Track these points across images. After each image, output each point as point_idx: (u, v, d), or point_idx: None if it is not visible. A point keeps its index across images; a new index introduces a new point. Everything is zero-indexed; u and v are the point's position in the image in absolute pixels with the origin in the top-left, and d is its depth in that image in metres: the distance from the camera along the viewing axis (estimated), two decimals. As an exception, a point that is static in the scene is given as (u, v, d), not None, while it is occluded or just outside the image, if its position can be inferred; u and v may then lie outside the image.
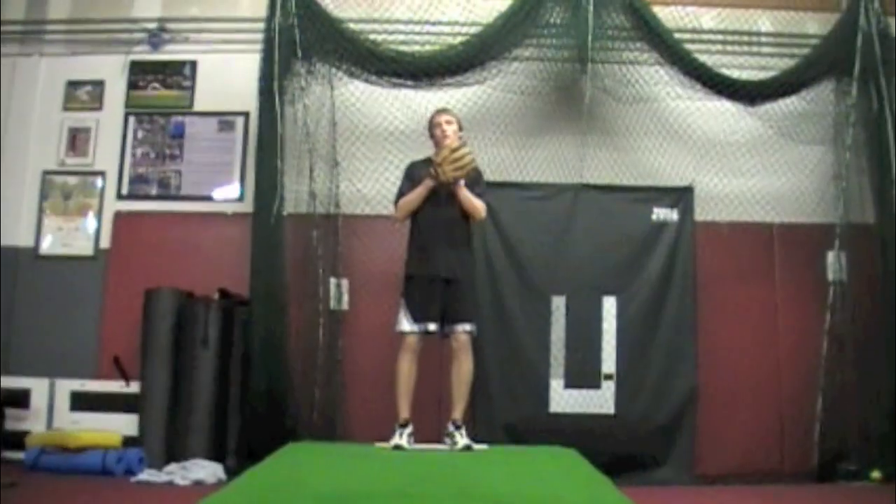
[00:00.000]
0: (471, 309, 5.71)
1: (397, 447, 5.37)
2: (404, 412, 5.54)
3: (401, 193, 5.75)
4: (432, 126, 5.86)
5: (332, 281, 7.02)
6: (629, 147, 7.30)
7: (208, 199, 7.47)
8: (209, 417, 6.44)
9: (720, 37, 7.54)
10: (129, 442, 6.42)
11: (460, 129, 5.86)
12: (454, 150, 5.51)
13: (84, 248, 7.40)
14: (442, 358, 5.88)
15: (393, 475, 4.37)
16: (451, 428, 5.54)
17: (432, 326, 5.60)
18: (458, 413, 5.58)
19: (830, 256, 7.07)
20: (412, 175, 5.76)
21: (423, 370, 5.66)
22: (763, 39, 7.63)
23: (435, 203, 5.67)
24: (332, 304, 7.00)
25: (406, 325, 5.58)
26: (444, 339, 5.70)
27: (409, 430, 5.50)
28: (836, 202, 7.15)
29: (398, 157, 6.87)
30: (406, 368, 5.56)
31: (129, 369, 6.84)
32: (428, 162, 5.68)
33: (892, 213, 6.82)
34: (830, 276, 7.05)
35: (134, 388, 6.76)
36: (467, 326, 5.63)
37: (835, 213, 7.13)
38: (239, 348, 6.64)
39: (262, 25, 6.90)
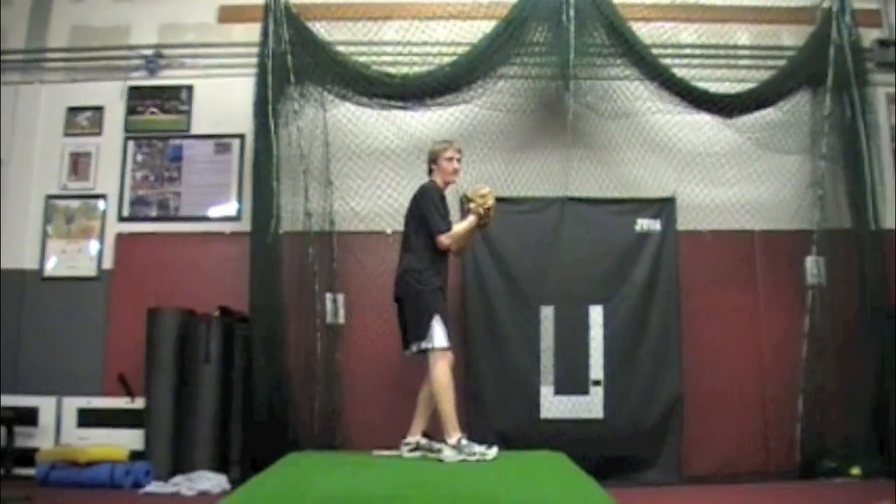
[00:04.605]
0: None
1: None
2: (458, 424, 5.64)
3: (441, 217, 5.85)
4: (445, 159, 6.02)
5: (329, 296, 7.17)
6: (612, 160, 7.49)
7: (207, 219, 7.65)
8: (213, 430, 6.60)
9: (699, 51, 7.72)
10: (135, 456, 6.56)
11: None
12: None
13: (87, 269, 7.57)
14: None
15: (390, 480, 4.59)
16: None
17: None
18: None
19: (809, 261, 7.27)
20: (441, 200, 5.96)
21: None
22: (741, 52, 7.82)
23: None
24: (329, 318, 7.15)
25: (446, 341, 5.63)
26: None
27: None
28: (814, 209, 7.35)
29: (389, 176, 7.15)
30: (450, 382, 5.63)
31: (133, 386, 7.00)
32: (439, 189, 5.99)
33: (868, 219, 7.06)
34: (809, 280, 7.25)
35: (139, 403, 6.92)
36: None
37: (812, 219, 7.34)
38: (240, 363, 6.80)
39: (255, 50, 7.12)
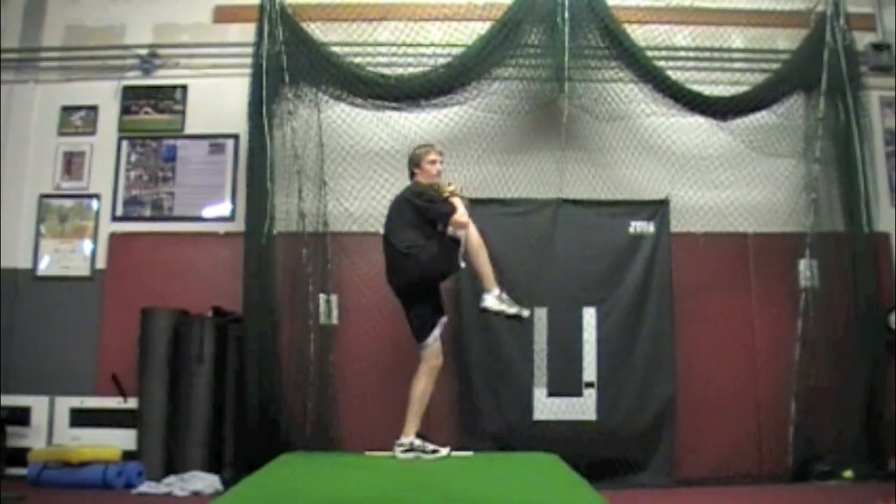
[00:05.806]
0: None
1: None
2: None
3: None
4: (428, 162, 6.12)
5: (322, 297, 7.18)
6: (606, 162, 7.49)
7: (201, 219, 7.64)
8: (206, 431, 6.60)
9: (694, 54, 7.74)
10: (128, 456, 6.55)
11: None
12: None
13: (81, 268, 7.56)
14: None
15: (383, 482, 4.60)
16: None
17: None
18: None
19: (802, 264, 7.29)
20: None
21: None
22: (735, 56, 7.84)
23: None
24: (323, 319, 7.15)
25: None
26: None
27: None
28: (807, 212, 7.36)
29: (383, 177, 7.12)
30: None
31: (126, 386, 6.99)
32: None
33: (861, 222, 7.08)
34: (802, 283, 7.27)
35: (132, 403, 6.91)
36: None
37: (806, 222, 7.35)
38: (233, 364, 6.79)
39: (250, 50, 7.13)
